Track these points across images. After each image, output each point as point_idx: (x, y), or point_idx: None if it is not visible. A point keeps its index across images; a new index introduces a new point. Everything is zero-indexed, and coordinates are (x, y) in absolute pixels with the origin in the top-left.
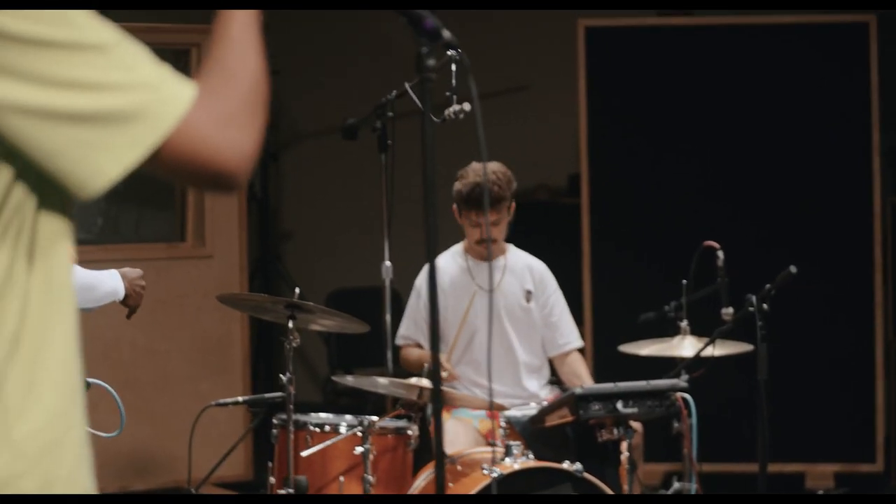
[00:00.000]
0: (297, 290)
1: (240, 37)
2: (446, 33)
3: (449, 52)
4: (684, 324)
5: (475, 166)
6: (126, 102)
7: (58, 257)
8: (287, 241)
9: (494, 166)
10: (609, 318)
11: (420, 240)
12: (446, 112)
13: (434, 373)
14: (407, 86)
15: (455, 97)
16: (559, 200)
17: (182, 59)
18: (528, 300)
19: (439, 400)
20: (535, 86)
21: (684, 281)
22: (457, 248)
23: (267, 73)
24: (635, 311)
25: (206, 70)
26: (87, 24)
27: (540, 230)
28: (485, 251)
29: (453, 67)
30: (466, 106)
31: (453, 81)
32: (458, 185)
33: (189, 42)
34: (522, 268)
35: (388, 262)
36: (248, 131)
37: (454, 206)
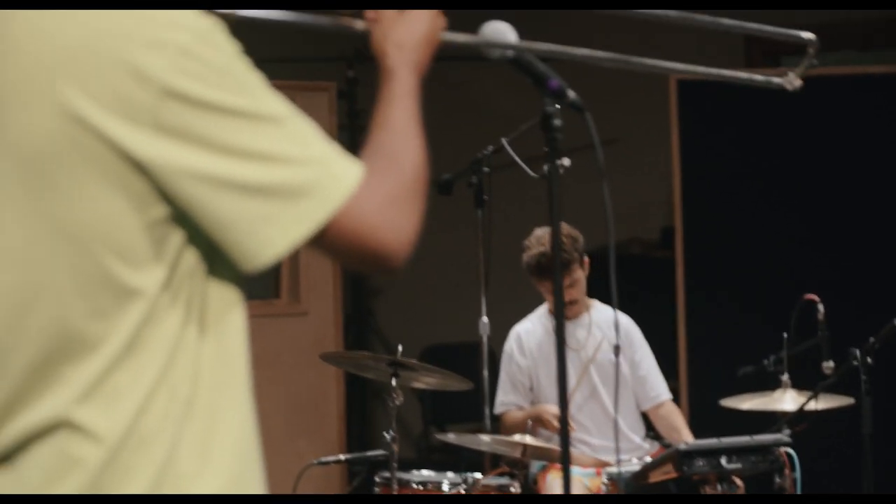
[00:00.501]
0: (400, 348)
1: (402, 123)
2: (571, 93)
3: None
4: (785, 377)
5: (538, 234)
6: (298, 177)
7: (231, 325)
8: (379, 296)
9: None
10: (705, 371)
11: (517, 296)
12: (546, 167)
13: (563, 427)
14: (504, 141)
15: (557, 137)
16: (652, 254)
17: None
18: (616, 354)
19: (567, 454)
20: (627, 138)
21: (785, 334)
22: (541, 311)
23: (426, 160)
24: (732, 364)
25: (369, 152)
26: (264, 95)
27: (633, 284)
28: (568, 313)
29: (556, 122)
30: (566, 161)
31: (558, 120)
32: (524, 257)
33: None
34: (608, 323)
35: (485, 318)
36: (410, 215)
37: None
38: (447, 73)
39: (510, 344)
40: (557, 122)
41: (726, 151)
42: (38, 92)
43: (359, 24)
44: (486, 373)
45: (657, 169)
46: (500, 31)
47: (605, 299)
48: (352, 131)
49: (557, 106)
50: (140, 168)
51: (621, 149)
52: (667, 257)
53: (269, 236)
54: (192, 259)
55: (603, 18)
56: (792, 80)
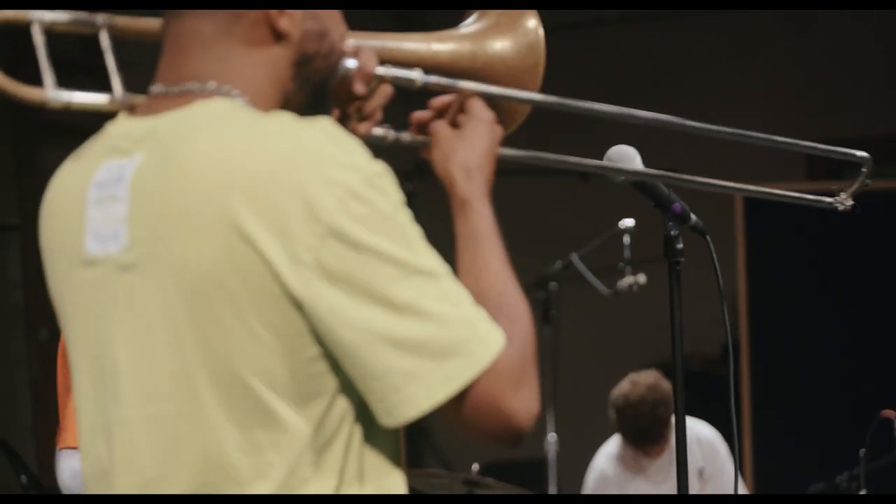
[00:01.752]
0: (476, 466)
1: (503, 272)
2: (694, 217)
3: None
4: (863, 493)
5: (624, 390)
6: (449, 336)
7: (391, 487)
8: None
9: (643, 391)
10: (773, 490)
11: (585, 413)
12: (619, 284)
13: None
14: (574, 256)
15: (629, 268)
16: (714, 370)
17: None
18: (701, 476)
19: None
20: (690, 252)
21: (862, 450)
22: (614, 450)
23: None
24: (800, 482)
25: (481, 305)
26: (422, 249)
27: (694, 401)
28: (652, 453)
29: (626, 239)
30: (641, 278)
31: (626, 252)
32: (618, 416)
33: None
34: (690, 443)
35: (552, 434)
36: (536, 388)
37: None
38: (510, 187)
39: (590, 485)
40: (680, 245)
41: (792, 265)
42: (210, 214)
43: (391, 139)
44: (554, 489)
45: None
46: (627, 156)
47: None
48: None
49: (675, 231)
50: (297, 304)
51: (685, 263)
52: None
53: (414, 394)
54: (345, 403)
55: (654, 131)
56: (843, 201)
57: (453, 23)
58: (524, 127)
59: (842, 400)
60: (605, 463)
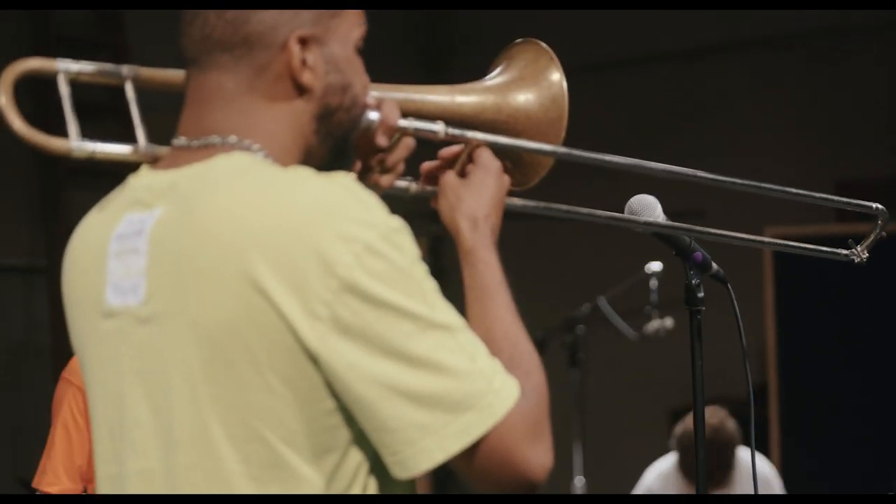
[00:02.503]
0: None
1: (514, 325)
2: (715, 266)
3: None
4: None
5: (689, 429)
6: (464, 389)
7: None
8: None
9: (708, 433)
10: None
11: (613, 457)
12: (646, 328)
13: None
14: (602, 300)
15: (656, 312)
16: (745, 412)
17: None
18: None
19: None
20: (719, 294)
21: (891, 493)
22: (666, 470)
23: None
24: None
25: (492, 354)
26: (438, 303)
27: None
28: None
29: (653, 283)
30: (668, 322)
31: (654, 296)
32: (673, 447)
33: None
34: (746, 476)
35: (580, 478)
36: (550, 441)
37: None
38: (537, 228)
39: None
40: (701, 294)
41: (820, 308)
42: (228, 268)
43: (413, 190)
44: None
45: (748, 326)
46: (648, 205)
47: None
48: (441, 287)
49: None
50: (312, 358)
51: (711, 308)
52: (760, 416)
53: (427, 447)
54: (359, 455)
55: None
56: (859, 253)
57: (479, 69)
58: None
59: (871, 442)
60: (655, 481)
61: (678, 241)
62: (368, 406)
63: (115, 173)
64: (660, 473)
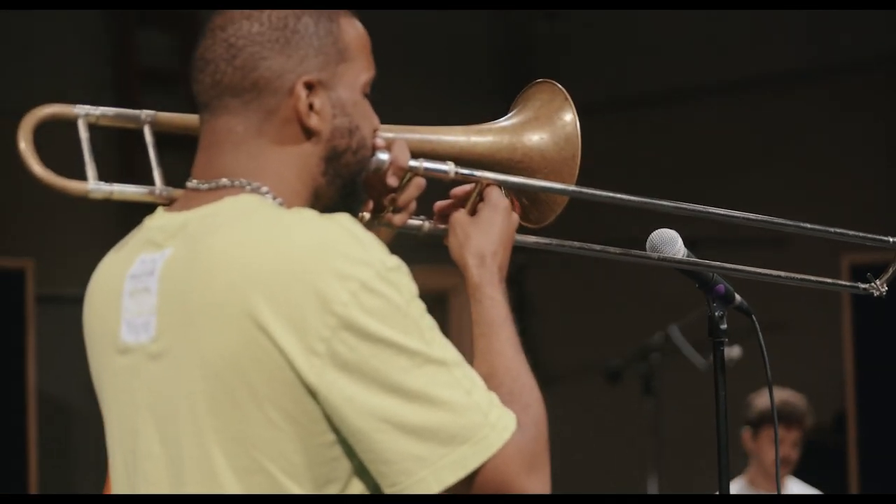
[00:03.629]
0: None
1: (516, 360)
2: (738, 298)
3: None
4: None
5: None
6: (460, 422)
7: None
8: (553, 483)
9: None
10: None
11: (688, 485)
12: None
13: None
14: (674, 328)
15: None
16: (822, 439)
17: (439, 303)
18: None
19: None
20: (796, 321)
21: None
22: (740, 484)
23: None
24: None
25: (495, 392)
26: (434, 339)
27: (803, 470)
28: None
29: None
30: (734, 351)
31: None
32: (759, 405)
33: (446, 287)
34: None
35: None
36: (547, 472)
37: (746, 430)
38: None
39: None
40: (724, 326)
41: None
42: (230, 307)
43: (426, 229)
44: None
45: (828, 352)
46: (669, 240)
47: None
48: (521, 316)
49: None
50: (311, 392)
51: (791, 332)
52: (838, 444)
53: (424, 478)
54: (360, 486)
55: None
56: (878, 287)
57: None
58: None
59: None
60: None
61: (700, 275)
62: (365, 438)
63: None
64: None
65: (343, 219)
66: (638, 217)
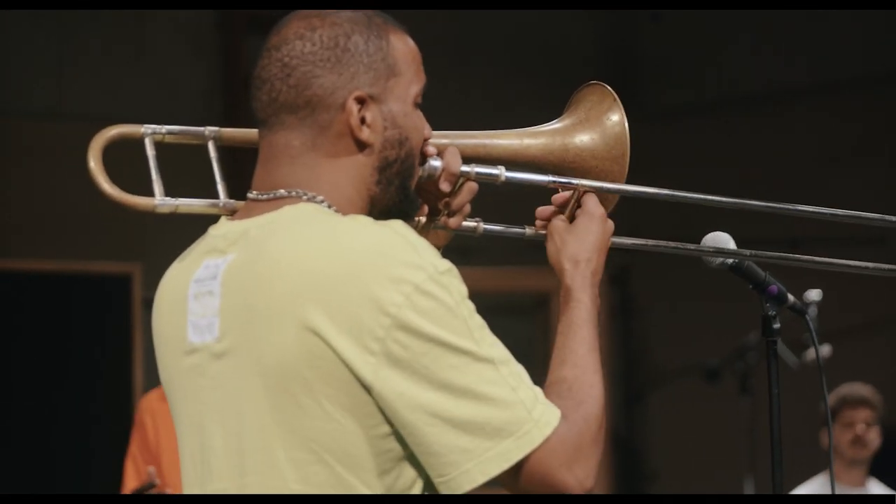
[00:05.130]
0: None
1: (585, 358)
2: (791, 297)
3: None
4: None
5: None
6: (505, 418)
7: None
8: (653, 481)
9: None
10: None
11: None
12: (805, 356)
13: None
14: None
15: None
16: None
17: (542, 305)
18: None
19: None
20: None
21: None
22: (820, 481)
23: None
24: None
25: (555, 389)
26: (483, 338)
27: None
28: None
29: (812, 311)
30: (825, 350)
31: (812, 324)
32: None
33: (549, 288)
34: None
35: None
36: (592, 466)
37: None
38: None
39: None
40: (777, 325)
41: None
42: (288, 312)
43: (528, 234)
44: None
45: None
46: (722, 241)
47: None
48: (623, 316)
49: (774, 312)
50: (366, 388)
51: (887, 330)
52: None
53: (469, 469)
54: (412, 473)
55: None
56: None
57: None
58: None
59: None
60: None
61: (754, 275)
62: (416, 431)
63: None
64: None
65: (397, 225)
66: (731, 216)
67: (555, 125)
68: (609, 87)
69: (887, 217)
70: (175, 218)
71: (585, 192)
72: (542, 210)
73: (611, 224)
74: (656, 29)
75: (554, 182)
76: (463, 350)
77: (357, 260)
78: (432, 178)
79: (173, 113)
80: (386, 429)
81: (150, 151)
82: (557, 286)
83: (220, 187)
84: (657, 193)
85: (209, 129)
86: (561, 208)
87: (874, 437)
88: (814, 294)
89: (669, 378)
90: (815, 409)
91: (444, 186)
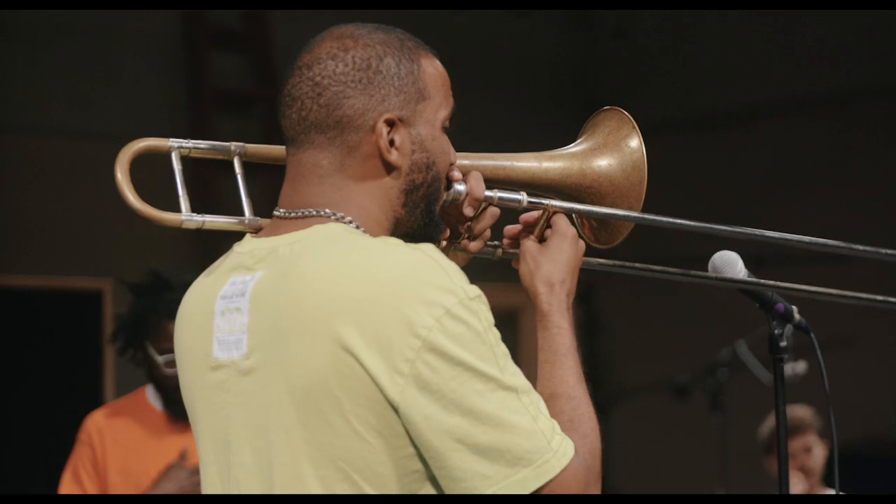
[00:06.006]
0: None
1: (577, 389)
2: (797, 315)
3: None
4: None
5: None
6: (526, 446)
7: None
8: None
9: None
10: None
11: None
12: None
13: None
14: (740, 343)
15: (790, 356)
16: (887, 453)
17: (509, 321)
18: None
19: None
20: (862, 337)
21: None
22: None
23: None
24: None
25: (556, 418)
26: (507, 366)
27: (864, 482)
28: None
29: (787, 328)
30: (799, 367)
31: (787, 341)
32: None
33: (518, 305)
34: None
35: None
36: (597, 493)
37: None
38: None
39: None
40: (783, 343)
41: None
42: (320, 329)
43: (499, 254)
44: None
45: (891, 367)
46: (730, 261)
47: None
48: (588, 333)
49: (779, 330)
50: (393, 409)
51: (856, 349)
52: None
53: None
54: (434, 494)
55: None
56: None
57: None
58: None
59: None
60: None
61: (761, 294)
62: (439, 455)
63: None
64: None
65: (428, 248)
66: (700, 237)
67: (572, 149)
68: (627, 113)
69: (853, 246)
70: (147, 233)
71: (555, 212)
72: (510, 229)
73: (582, 244)
74: (621, 47)
75: (530, 203)
76: (488, 376)
77: (390, 281)
78: (456, 202)
79: (139, 126)
80: (411, 450)
81: (177, 166)
82: (527, 303)
83: (246, 204)
84: (626, 216)
85: (235, 145)
86: (529, 228)
87: (819, 457)
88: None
89: (639, 395)
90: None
91: (468, 211)
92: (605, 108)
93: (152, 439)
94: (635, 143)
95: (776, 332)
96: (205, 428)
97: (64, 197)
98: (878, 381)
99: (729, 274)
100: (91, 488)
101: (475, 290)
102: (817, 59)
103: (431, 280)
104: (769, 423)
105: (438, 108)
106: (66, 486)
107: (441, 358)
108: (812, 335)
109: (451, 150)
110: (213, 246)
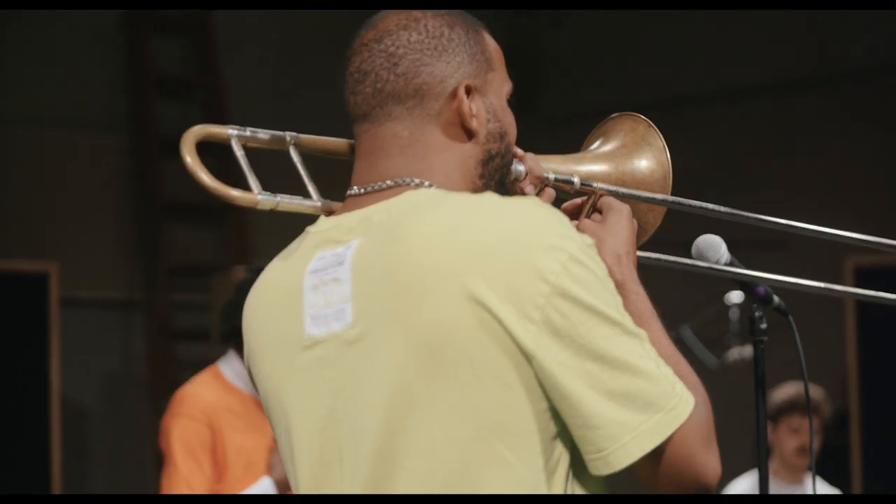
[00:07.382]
0: None
1: (672, 349)
2: (776, 298)
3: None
4: None
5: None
6: (655, 392)
7: None
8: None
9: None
10: None
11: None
12: (726, 357)
13: None
14: (686, 328)
15: (736, 341)
16: (826, 438)
17: None
18: None
19: None
20: (800, 319)
21: None
22: (751, 486)
23: None
24: None
25: None
26: (626, 313)
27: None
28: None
29: (733, 313)
30: (747, 351)
31: (734, 326)
32: (775, 398)
33: None
34: None
35: None
36: (717, 450)
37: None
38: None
39: None
40: (763, 325)
41: None
42: (447, 284)
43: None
44: None
45: (832, 352)
46: (714, 245)
47: None
48: None
49: (760, 313)
50: (527, 358)
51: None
52: (840, 441)
53: (626, 444)
54: (561, 452)
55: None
56: None
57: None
58: None
59: None
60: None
61: (742, 276)
62: (575, 403)
63: (212, 208)
64: (744, 490)
65: (533, 199)
66: (674, 220)
67: (596, 151)
68: (641, 116)
69: (792, 223)
70: (93, 215)
71: (602, 195)
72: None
73: (635, 222)
74: (559, 35)
75: (581, 186)
76: (614, 321)
77: (511, 230)
78: (517, 181)
79: (80, 112)
80: (545, 404)
81: (239, 152)
82: None
83: (311, 188)
84: (664, 200)
85: (289, 135)
86: (573, 215)
87: (818, 441)
88: (734, 296)
89: None
90: (736, 410)
91: (529, 190)
92: (614, 115)
93: (255, 418)
94: (657, 141)
95: (756, 314)
96: (298, 413)
97: (7, 181)
98: (814, 364)
99: (713, 257)
100: (207, 465)
101: (589, 238)
102: (764, 46)
103: (551, 227)
104: (779, 392)
105: (503, 80)
106: (183, 463)
107: (571, 302)
108: (790, 317)
109: (515, 125)
110: (153, 227)
